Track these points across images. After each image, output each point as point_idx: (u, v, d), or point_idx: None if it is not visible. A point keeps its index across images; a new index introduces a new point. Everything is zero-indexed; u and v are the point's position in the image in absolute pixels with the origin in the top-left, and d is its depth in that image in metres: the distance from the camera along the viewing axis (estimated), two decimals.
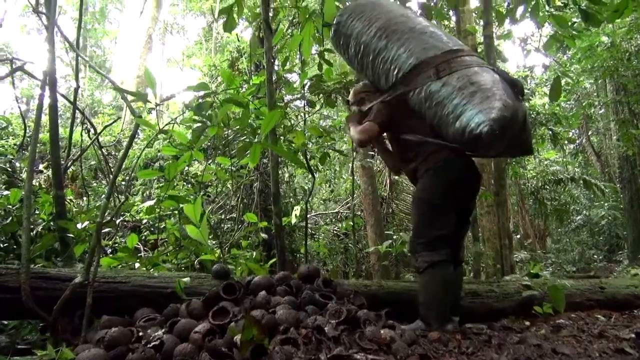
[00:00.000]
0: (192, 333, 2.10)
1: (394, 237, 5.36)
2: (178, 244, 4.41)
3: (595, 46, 9.99)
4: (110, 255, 3.90)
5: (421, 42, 2.71)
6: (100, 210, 2.21)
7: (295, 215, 5.41)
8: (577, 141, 17.30)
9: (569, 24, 5.25)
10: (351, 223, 5.64)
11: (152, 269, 3.52)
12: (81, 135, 4.82)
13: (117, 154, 8.49)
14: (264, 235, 5.24)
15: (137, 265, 3.69)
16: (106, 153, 7.23)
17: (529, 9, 5.04)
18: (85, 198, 5.81)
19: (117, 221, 4.27)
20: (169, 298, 2.53)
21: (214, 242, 4.85)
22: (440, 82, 2.54)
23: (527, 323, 3.36)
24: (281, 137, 4.71)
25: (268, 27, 3.19)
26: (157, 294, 2.55)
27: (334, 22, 3.13)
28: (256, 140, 3.64)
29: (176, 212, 4.57)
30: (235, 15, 3.79)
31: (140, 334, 2.13)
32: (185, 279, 2.52)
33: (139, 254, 4.81)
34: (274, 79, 4.67)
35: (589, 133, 17.64)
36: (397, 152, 3.03)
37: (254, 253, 4.44)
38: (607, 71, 10.11)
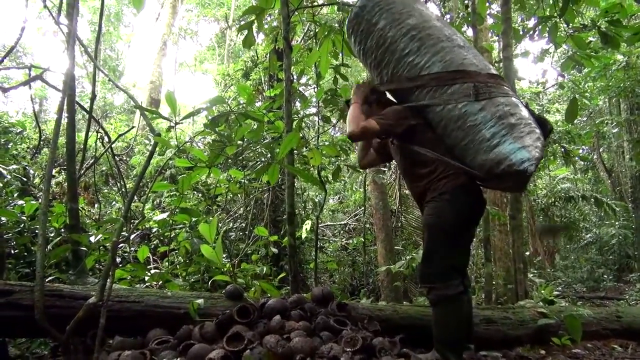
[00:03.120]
0: (206, 359, 2.07)
1: (406, 256, 5.29)
2: (189, 257, 4.40)
3: (611, 64, 9.92)
4: (121, 266, 3.90)
5: (459, 56, 2.53)
6: (116, 231, 2.19)
7: (306, 229, 5.37)
8: (588, 158, 17.15)
9: (587, 43, 5.22)
10: (362, 239, 5.59)
11: (162, 284, 3.51)
12: (95, 143, 4.83)
13: (128, 159, 8.53)
14: (274, 249, 5.21)
15: (146, 278, 3.68)
16: (118, 159, 7.25)
17: (547, 29, 5.02)
18: (97, 205, 5.80)
19: (132, 236, 4.26)
20: (181, 319, 2.50)
21: (224, 255, 4.83)
22: (478, 105, 2.39)
23: (543, 352, 3.29)
24: (295, 151, 4.70)
25: (288, 45, 3.17)
26: (170, 314, 2.52)
27: (357, 4, 2.83)
28: (272, 153, 3.63)
29: (187, 223, 4.56)
30: (255, 31, 3.79)
31: (154, 358, 2.10)
32: (199, 301, 2.49)
33: (148, 265, 4.80)
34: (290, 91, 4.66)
35: (600, 150, 17.50)
36: (403, 163, 2.77)
37: (264, 268, 4.41)
38: (622, 92, 10.01)
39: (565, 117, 5.16)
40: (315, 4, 4.44)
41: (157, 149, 6.29)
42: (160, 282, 3.53)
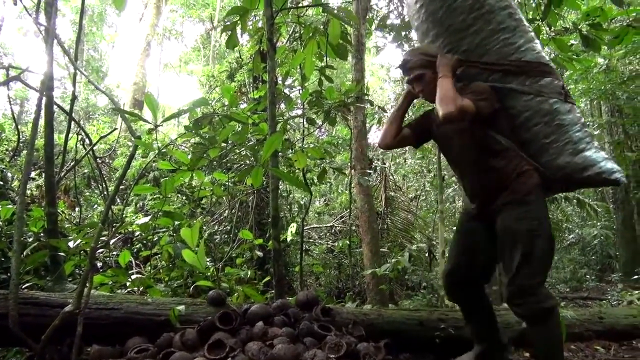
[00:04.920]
0: None
1: (392, 258, 5.29)
2: (171, 261, 4.33)
3: (592, 67, 10.07)
4: (102, 271, 3.82)
5: (542, 50, 2.44)
6: (95, 236, 2.13)
7: (291, 232, 5.34)
8: None
9: (569, 46, 5.27)
10: (347, 242, 5.57)
11: (143, 289, 3.44)
12: (76, 145, 4.73)
13: (110, 162, 8.39)
14: (259, 253, 5.17)
15: (128, 283, 3.61)
16: (100, 161, 7.13)
17: None
18: (77, 209, 5.69)
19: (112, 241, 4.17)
20: (162, 325, 2.44)
21: (208, 259, 4.76)
22: (567, 106, 2.32)
23: (527, 354, 3.31)
24: (280, 154, 4.66)
25: (272, 47, 3.14)
26: (151, 321, 2.46)
27: None
28: (256, 156, 3.59)
29: (170, 227, 4.48)
30: (238, 32, 3.74)
31: None
32: (180, 307, 2.44)
33: (131, 269, 4.71)
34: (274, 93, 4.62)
35: None
36: (468, 152, 2.43)
37: (249, 272, 4.37)
38: (603, 94, 10.17)
39: None
40: (300, 5, 4.41)
41: (140, 151, 6.21)
42: (142, 287, 3.46)
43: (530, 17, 5.03)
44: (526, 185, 2.29)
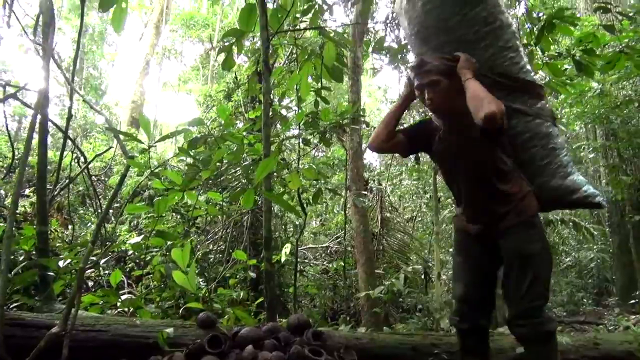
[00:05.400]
0: None
1: (387, 280, 5.25)
2: (163, 281, 4.28)
3: (586, 91, 10.19)
4: (93, 291, 3.77)
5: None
6: (84, 256, 2.11)
7: (285, 253, 5.31)
8: None
9: (562, 70, 5.35)
10: (342, 263, 5.53)
11: (133, 310, 3.39)
12: (70, 163, 4.72)
13: (106, 179, 8.38)
14: (252, 274, 5.12)
15: (118, 304, 3.56)
16: (95, 179, 7.11)
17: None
18: (70, 227, 5.65)
19: (102, 261, 4.14)
20: (151, 348, 2.40)
21: (200, 279, 4.72)
22: (557, 130, 2.41)
23: None
24: (275, 174, 4.66)
25: (267, 68, 3.16)
26: (139, 344, 2.42)
27: None
28: (249, 178, 3.58)
29: (163, 247, 4.45)
30: (235, 53, 3.78)
31: None
32: (168, 330, 2.40)
33: (122, 289, 4.66)
34: (270, 114, 4.65)
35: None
36: (474, 169, 2.34)
37: (241, 293, 4.32)
38: (598, 118, 10.27)
39: None
40: (296, 28, 4.47)
41: (136, 169, 6.20)
42: (133, 308, 3.41)
43: (525, 41, 5.12)
44: (531, 207, 2.30)
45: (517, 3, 5.60)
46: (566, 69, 5.79)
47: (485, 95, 2.13)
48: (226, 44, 3.85)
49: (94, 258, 3.00)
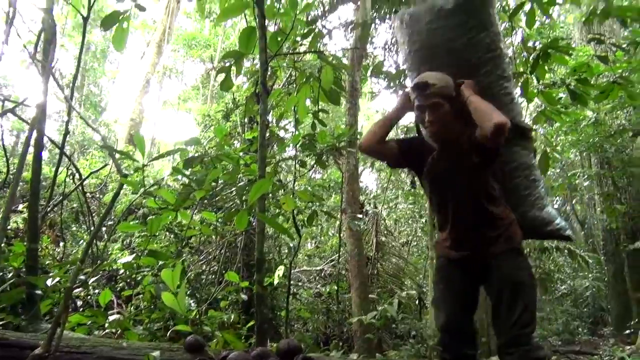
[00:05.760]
0: None
1: (381, 305, 5.19)
2: (153, 302, 4.22)
3: (581, 120, 10.30)
4: (81, 310, 3.71)
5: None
6: (72, 275, 2.08)
7: (278, 275, 5.25)
8: (562, 210, 17.47)
9: (557, 99, 5.41)
10: (335, 287, 5.48)
11: (121, 331, 3.33)
12: (64, 180, 4.70)
13: (101, 196, 8.33)
14: (244, 296, 5.05)
15: (106, 324, 3.50)
16: (90, 197, 7.07)
17: (519, 85, 5.20)
18: (62, 244, 5.59)
19: (92, 280, 4.08)
20: None
21: (191, 300, 4.66)
22: (535, 161, 2.50)
23: None
24: (270, 195, 4.65)
25: (265, 90, 3.19)
26: None
27: None
28: (241, 200, 3.57)
29: (154, 267, 4.40)
30: (233, 74, 3.81)
31: None
32: (155, 353, 2.35)
33: (112, 309, 4.59)
34: (267, 135, 4.67)
35: (573, 202, 17.87)
36: (468, 192, 2.32)
37: (232, 316, 4.26)
38: (592, 147, 10.36)
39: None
40: (295, 51, 4.52)
41: (130, 188, 6.17)
42: (120, 329, 3.35)
43: (521, 70, 5.18)
44: (517, 234, 2.33)
45: (514, 32, 5.69)
46: (561, 97, 5.86)
47: (493, 108, 2.16)
48: (226, 64, 3.89)
49: (82, 277, 2.96)
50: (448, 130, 2.33)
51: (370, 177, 14.64)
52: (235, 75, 3.91)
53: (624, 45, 5.53)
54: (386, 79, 7.49)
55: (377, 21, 8.40)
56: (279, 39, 3.60)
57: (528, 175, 2.43)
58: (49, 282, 3.04)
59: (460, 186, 2.32)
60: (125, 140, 14.22)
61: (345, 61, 7.07)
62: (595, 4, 5.11)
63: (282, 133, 5.94)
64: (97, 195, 8.17)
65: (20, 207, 6.71)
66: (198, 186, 2.68)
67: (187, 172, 2.82)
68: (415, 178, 6.17)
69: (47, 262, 4.82)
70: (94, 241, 3.26)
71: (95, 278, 4.56)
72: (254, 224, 5.40)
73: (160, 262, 3.81)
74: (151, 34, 20.63)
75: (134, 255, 3.76)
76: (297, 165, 4.95)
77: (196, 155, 2.94)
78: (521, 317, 2.18)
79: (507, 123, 2.07)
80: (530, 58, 4.84)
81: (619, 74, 4.87)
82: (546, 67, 4.91)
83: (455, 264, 2.42)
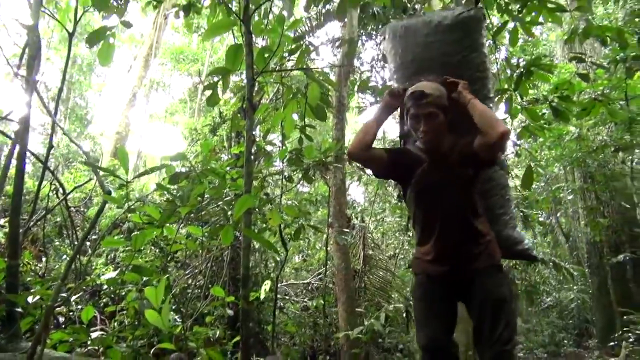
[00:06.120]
0: None
1: (368, 319, 5.18)
2: (137, 318, 4.16)
3: (564, 134, 10.50)
4: (63, 327, 3.64)
5: None
6: (53, 293, 2.05)
7: (265, 290, 5.22)
8: (547, 223, 17.66)
9: (540, 115, 5.51)
10: (322, 301, 5.46)
11: (103, 349, 3.28)
12: (48, 194, 4.64)
13: (85, 210, 8.23)
14: (229, 311, 5.01)
15: (89, 342, 3.43)
16: (74, 211, 6.99)
17: (503, 101, 5.30)
18: (44, 259, 5.50)
19: (73, 297, 4.02)
20: None
21: (176, 315, 4.60)
22: (508, 182, 2.64)
23: None
24: (257, 210, 4.64)
25: (251, 106, 3.20)
26: None
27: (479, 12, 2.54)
28: (227, 215, 3.56)
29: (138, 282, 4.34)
30: (220, 91, 3.82)
31: None
32: None
33: (95, 326, 4.51)
34: (254, 150, 4.68)
35: (558, 215, 18.09)
36: (457, 207, 2.33)
37: (217, 331, 4.21)
38: (575, 161, 10.54)
39: (521, 184, 5.35)
40: (281, 68, 4.56)
41: (116, 204, 6.11)
42: (103, 347, 3.29)
43: (506, 86, 5.28)
44: (497, 251, 2.35)
45: (497, 50, 5.81)
46: (544, 113, 5.98)
47: (496, 115, 2.20)
48: (214, 80, 3.90)
49: (64, 295, 2.91)
50: (440, 141, 2.35)
51: (357, 190, 14.69)
52: (222, 91, 3.93)
53: (604, 64, 5.67)
54: (373, 94, 7.57)
55: (364, 37, 8.52)
56: (266, 55, 3.63)
57: (504, 194, 2.53)
58: (30, 300, 2.98)
59: (449, 200, 2.30)
60: (111, 153, 14.11)
61: (332, 77, 7.15)
62: (576, 24, 5.26)
63: (269, 147, 5.95)
64: (82, 209, 8.07)
65: (2, 221, 6.60)
66: (183, 202, 2.67)
67: (173, 188, 2.82)
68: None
69: (29, 278, 4.74)
70: (77, 256, 3.22)
71: (78, 295, 4.49)
72: (240, 238, 5.39)
73: (145, 278, 3.76)
74: (139, 47, 20.62)
75: (117, 271, 3.71)
76: (284, 180, 4.95)
77: (182, 170, 2.93)
78: (503, 334, 2.17)
79: (510, 132, 2.11)
80: (514, 75, 4.94)
81: (599, 92, 4.99)
82: (529, 84, 5.02)
83: (434, 280, 2.40)
